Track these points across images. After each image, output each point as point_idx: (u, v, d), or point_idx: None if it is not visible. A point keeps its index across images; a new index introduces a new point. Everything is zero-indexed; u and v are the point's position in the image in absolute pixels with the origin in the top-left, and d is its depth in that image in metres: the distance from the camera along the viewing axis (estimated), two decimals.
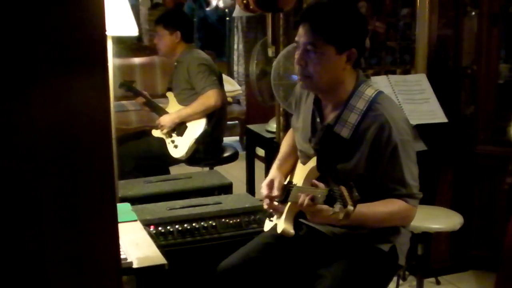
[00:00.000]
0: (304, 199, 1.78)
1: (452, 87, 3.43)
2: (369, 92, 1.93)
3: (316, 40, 1.87)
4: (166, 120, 3.72)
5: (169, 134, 3.72)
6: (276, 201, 2.09)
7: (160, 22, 3.83)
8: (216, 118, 3.78)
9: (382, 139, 1.86)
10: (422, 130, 3.04)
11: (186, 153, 3.65)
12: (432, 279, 3.25)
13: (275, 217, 2.16)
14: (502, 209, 3.19)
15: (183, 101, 3.78)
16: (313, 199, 1.75)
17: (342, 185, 1.67)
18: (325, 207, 1.71)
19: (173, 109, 3.80)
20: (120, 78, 4.00)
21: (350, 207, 1.61)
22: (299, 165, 2.14)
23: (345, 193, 1.63)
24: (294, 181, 2.13)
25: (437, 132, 3.08)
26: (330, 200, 1.68)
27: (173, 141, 3.70)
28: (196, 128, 3.69)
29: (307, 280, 1.97)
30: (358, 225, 1.90)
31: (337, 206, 1.63)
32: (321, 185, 1.78)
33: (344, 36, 1.88)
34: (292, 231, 2.02)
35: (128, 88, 3.90)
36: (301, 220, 2.06)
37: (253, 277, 2.02)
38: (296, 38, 1.95)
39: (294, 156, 2.20)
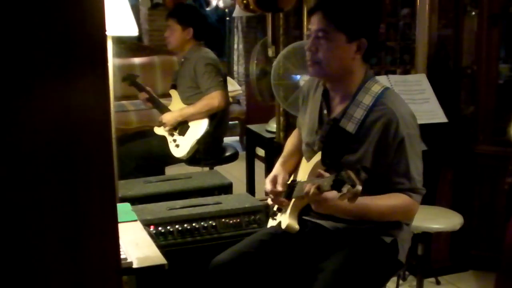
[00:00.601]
0: (310, 188, 1.78)
1: (452, 87, 3.43)
2: (376, 88, 1.95)
3: (327, 27, 1.90)
4: (168, 117, 3.71)
5: (171, 133, 3.72)
6: (282, 197, 2.10)
7: (174, 16, 3.78)
8: (218, 118, 3.77)
9: (390, 132, 1.88)
10: (422, 130, 3.03)
11: (188, 153, 3.64)
12: (432, 279, 3.26)
13: (278, 215, 2.17)
14: (502, 209, 3.19)
15: (187, 99, 3.77)
16: (319, 188, 1.76)
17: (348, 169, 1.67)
18: (332, 193, 1.71)
19: (176, 106, 3.79)
20: (120, 78, 3.98)
21: (359, 187, 1.62)
22: (304, 162, 2.15)
23: (353, 175, 1.64)
24: (299, 178, 2.14)
25: (437, 132, 3.08)
26: (337, 184, 1.67)
27: (174, 140, 3.69)
28: (198, 128, 3.68)
29: (307, 275, 1.97)
30: (361, 217, 1.92)
31: (346, 188, 1.63)
32: (327, 174, 1.79)
33: (355, 24, 1.91)
34: (296, 226, 2.03)
35: (131, 82, 3.85)
36: (305, 217, 2.06)
37: (246, 272, 2.01)
38: (309, 26, 1.98)
39: (298, 156, 2.21)
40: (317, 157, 2.01)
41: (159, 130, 3.77)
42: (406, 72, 3.95)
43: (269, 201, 2.16)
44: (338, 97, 2.02)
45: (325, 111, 2.04)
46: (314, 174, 1.97)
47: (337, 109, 2.01)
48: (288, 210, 2.06)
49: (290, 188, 2.09)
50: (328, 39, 1.90)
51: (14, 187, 0.98)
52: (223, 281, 2.03)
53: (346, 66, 1.95)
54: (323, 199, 1.79)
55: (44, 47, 0.97)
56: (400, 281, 3.20)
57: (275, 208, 2.19)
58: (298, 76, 3.23)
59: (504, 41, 3.46)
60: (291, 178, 2.19)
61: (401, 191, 1.91)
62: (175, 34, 3.77)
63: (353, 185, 1.62)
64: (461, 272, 3.36)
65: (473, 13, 3.38)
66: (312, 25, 1.95)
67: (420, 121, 2.99)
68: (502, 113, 3.24)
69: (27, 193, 0.99)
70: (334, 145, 1.97)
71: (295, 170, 2.21)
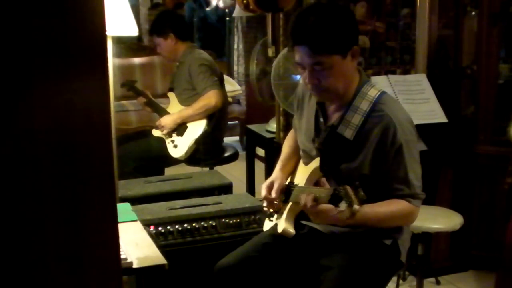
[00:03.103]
0: (307, 199, 1.78)
1: (452, 87, 3.43)
2: (372, 93, 1.94)
3: (321, 59, 1.86)
4: (167, 120, 3.71)
5: (169, 134, 3.72)
6: (277, 202, 2.09)
7: (152, 33, 3.87)
8: (217, 118, 3.78)
9: (387, 139, 1.87)
10: (422, 130, 3.04)
11: (186, 153, 3.65)
12: (432, 279, 3.25)
13: (275, 217, 2.16)
14: (502, 209, 3.19)
15: (184, 101, 3.78)
16: (316, 199, 1.75)
17: (347, 184, 1.67)
18: (329, 206, 1.71)
19: (174, 109, 3.80)
20: (120, 78, 3.99)
21: (356, 206, 1.61)
22: (301, 166, 2.14)
23: (351, 192, 1.63)
24: (296, 181, 2.13)
25: (437, 132, 3.08)
26: (335, 199, 1.67)
27: (173, 141, 3.70)
28: (196, 128, 3.69)
29: (310, 273, 1.97)
30: (360, 224, 1.91)
31: (343, 205, 1.63)
32: (327, 185, 1.79)
33: (344, 43, 1.88)
34: (292, 231, 2.02)
35: (130, 88, 3.90)
36: (303, 222, 2.06)
37: (250, 276, 2.02)
38: (298, 60, 1.91)
39: (296, 157, 2.20)
40: (315, 163, 2.00)
41: (156, 132, 3.77)
42: (406, 72, 3.95)
43: (264, 207, 2.16)
44: (334, 104, 2.01)
45: (321, 119, 2.03)
46: (311, 180, 1.97)
47: (334, 116, 2.00)
48: (285, 214, 2.06)
49: (288, 191, 2.08)
50: (326, 68, 1.86)
51: (13, 187, 0.98)
52: (228, 285, 2.03)
53: (348, 77, 1.94)
54: (320, 211, 1.77)
55: (44, 47, 0.97)
56: (400, 281, 3.20)
57: (271, 210, 2.19)
58: (298, 76, 3.23)
59: (504, 41, 3.46)
60: (289, 180, 2.19)
61: (401, 197, 1.91)
62: (162, 47, 3.82)
63: (350, 204, 1.61)
64: (461, 272, 3.36)
65: (473, 13, 3.38)
66: (301, 59, 1.89)
67: (420, 121, 3.02)
68: (502, 113, 3.24)
69: (27, 193, 0.99)
70: (332, 152, 1.96)
71: (293, 172, 2.21)
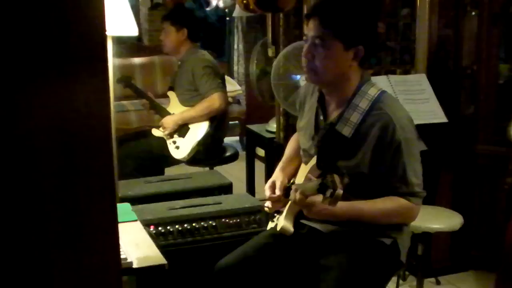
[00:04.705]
0: (295, 194, 1.82)
1: (452, 87, 3.43)
2: (372, 92, 1.94)
3: (324, 34, 1.89)
4: (169, 122, 3.70)
5: (170, 135, 3.72)
6: (281, 200, 2.10)
7: (168, 18, 3.82)
8: (218, 119, 3.77)
9: (386, 137, 1.87)
10: (422, 130, 3.04)
11: (188, 154, 3.64)
12: (432, 279, 3.25)
13: (276, 217, 2.17)
14: (502, 209, 3.19)
15: (186, 101, 3.77)
16: (305, 193, 1.80)
17: (335, 173, 1.71)
18: (318, 196, 1.75)
19: (175, 108, 3.80)
20: (115, 79, 3.96)
21: (340, 191, 1.65)
22: (302, 165, 2.15)
23: (337, 179, 1.67)
24: (297, 181, 2.14)
25: (437, 132, 3.08)
26: (322, 188, 1.71)
27: (174, 142, 3.69)
28: (199, 130, 3.68)
29: (310, 273, 1.97)
30: (355, 220, 1.92)
31: (329, 192, 1.67)
32: (314, 178, 1.83)
33: (352, 32, 1.90)
34: (291, 229, 2.03)
35: (127, 84, 3.84)
36: (303, 221, 2.06)
37: (250, 276, 2.02)
38: (305, 32, 1.97)
39: (298, 159, 2.21)
40: (314, 160, 2.01)
41: (157, 132, 3.77)
42: (406, 72, 3.94)
43: (266, 208, 2.16)
44: (334, 102, 2.02)
45: (321, 117, 2.04)
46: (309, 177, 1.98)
47: (333, 114, 2.01)
48: (284, 212, 2.06)
49: (287, 189, 2.09)
50: (325, 46, 1.89)
51: (14, 188, 0.98)
52: (228, 285, 2.03)
53: (343, 73, 1.94)
54: (310, 204, 1.81)
55: (44, 47, 0.97)
56: (400, 281, 3.19)
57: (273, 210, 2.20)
58: (298, 76, 3.23)
59: (504, 41, 3.46)
60: (291, 181, 2.19)
61: (399, 195, 1.92)
62: (170, 36, 3.79)
63: (335, 189, 1.65)
64: (461, 272, 3.36)
65: (473, 13, 3.38)
66: (308, 31, 1.94)
67: (420, 121, 3.02)
68: (502, 113, 3.24)
69: (27, 193, 0.99)
70: (330, 149, 1.97)
71: (295, 174, 2.21)
